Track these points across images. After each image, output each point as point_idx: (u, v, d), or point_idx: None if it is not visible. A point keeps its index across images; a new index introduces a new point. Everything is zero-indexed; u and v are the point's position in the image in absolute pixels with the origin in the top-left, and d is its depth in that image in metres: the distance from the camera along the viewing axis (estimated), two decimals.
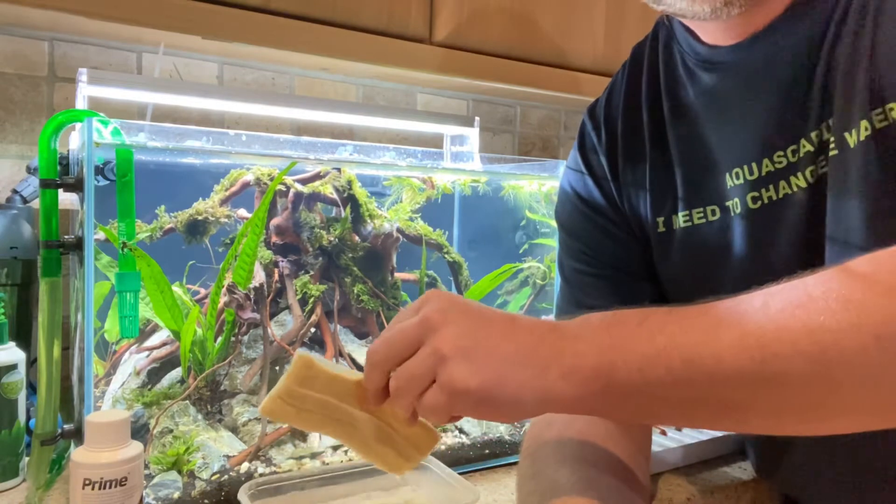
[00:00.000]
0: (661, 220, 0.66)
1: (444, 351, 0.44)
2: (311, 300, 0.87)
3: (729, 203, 0.61)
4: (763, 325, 0.41)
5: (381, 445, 0.51)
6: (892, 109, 0.48)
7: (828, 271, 0.42)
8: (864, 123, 0.50)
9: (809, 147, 0.55)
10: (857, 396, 0.40)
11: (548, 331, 0.46)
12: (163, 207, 0.83)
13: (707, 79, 0.62)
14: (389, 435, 0.51)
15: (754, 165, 0.59)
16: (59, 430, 0.71)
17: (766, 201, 0.58)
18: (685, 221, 0.65)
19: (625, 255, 0.70)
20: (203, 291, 0.88)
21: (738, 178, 0.60)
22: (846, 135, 0.51)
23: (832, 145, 0.53)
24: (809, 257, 0.56)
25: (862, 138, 0.50)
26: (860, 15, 0.51)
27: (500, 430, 0.89)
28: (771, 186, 0.58)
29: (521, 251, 1.09)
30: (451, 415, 0.46)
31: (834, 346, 0.39)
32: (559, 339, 0.46)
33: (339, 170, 0.90)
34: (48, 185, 0.69)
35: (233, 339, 0.82)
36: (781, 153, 0.57)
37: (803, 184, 0.56)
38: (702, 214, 0.63)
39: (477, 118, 1.17)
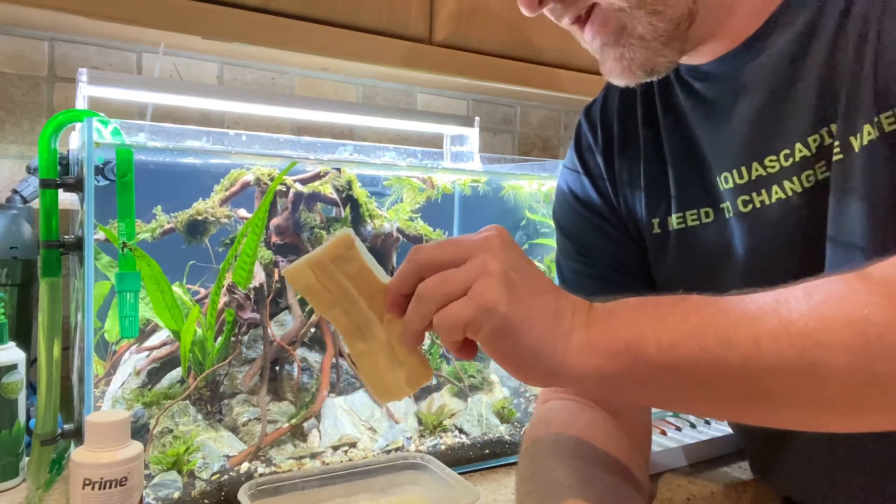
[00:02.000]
0: (656, 221, 0.66)
1: (491, 267, 0.43)
2: None
3: (723, 205, 0.61)
4: (805, 313, 0.40)
5: (376, 358, 0.49)
6: None
7: (868, 268, 0.41)
8: (867, 128, 0.50)
9: (806, 152, 0.55)
10: None
11: (584, 305, 0.46)
12: (159, 208, 0.83)
13: (696, 85, 0.62)
14: (388, 354, 0.49)
15: (743, 170, 0.59)
16: (59, 430, 0.71)
17: (757, 205, 0.58)
18: (679, 223, 0.65)
19: (621, 255, 0.70)
20: (203, 291, 0.88)
21: (727, 181, 0.60)
22: (852, 139, 0.51)
23: (836, 150, 0.52)
24: (810, 260, 0.56)
25: (865, 142, 0.50)
26: (864, 19, 0.51)
27: (500, 430, 0.90)
28: (763, 191, 0.58)
29: None
30: (464, 334, 0.43)
31: (878, 340, 0.38)
32: (594, 312, 0.45)
33: (339, 170, 0.90)
34: (48, 185, 0.69)
35: (233, 339, 0.82)
36: (774, 158, 0.57)
37: (799, 188, 0.56)
38: (695, 216, 0.63)
39: (477, 118, 1.17)
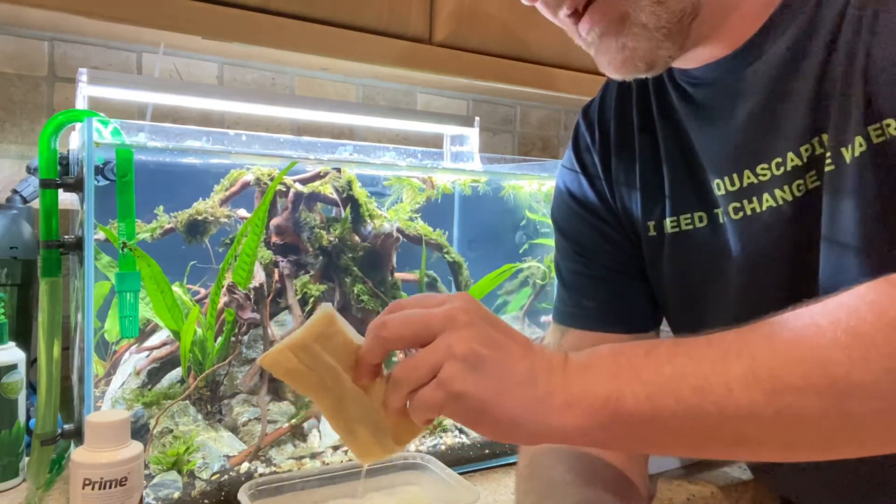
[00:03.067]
0: (651, 223, 0.66)
1: (457, 350, 0.43)
2: (311, 300, 0.87)
3: (717, 210, 0.61)
4: (772, 356, 0.41)
5: (361, 426, 0.49)
6: (889, 125, 0.48)
7: (833, 300, 0.42)
8: (858, 139, 0.50)
9: (797, 161, 0.55)
10: (870, 427, 0.40)
11: (559, 360, 0.46)
12: (161, 208, 0.83)
13: (689, 89, 0.62)
14: (373, 417, 0.49)
15: (735, 177, 0.59)
16: (59, 430, 0.71)
17: (748, 213, 0.58)
18: (672, 226, 0.65)
19: (620, 255, 0.70)
20: (203, 291, 0.88)
21: (719, 188, 0.60)
22: (843, 150, 0.51)
23: (828, 160, 0.52)
24: (802, 266, 0.55)
25: (857, 154, 0.50)
26: (854, 31, 0.51)
27: None
28: (754, 199, 0.58)
29: (521, 251, 1.09)
30: (440, 414, 0.45)
31: (844, 379, 0.39)
32: (569, 369, 0.45)
33: (339, 170, 0.90)
34: (48, 185, 0.69)
35: (233, 339, 0.82)
36: (765, 166, 0.57)
37: (789, 197, 0.56)
38: (689, 220, 0.63)
39: (477, 118, 1.17)
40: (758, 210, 0.58)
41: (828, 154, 0.52)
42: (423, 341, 0.45)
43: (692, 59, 0.59)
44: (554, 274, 0.78)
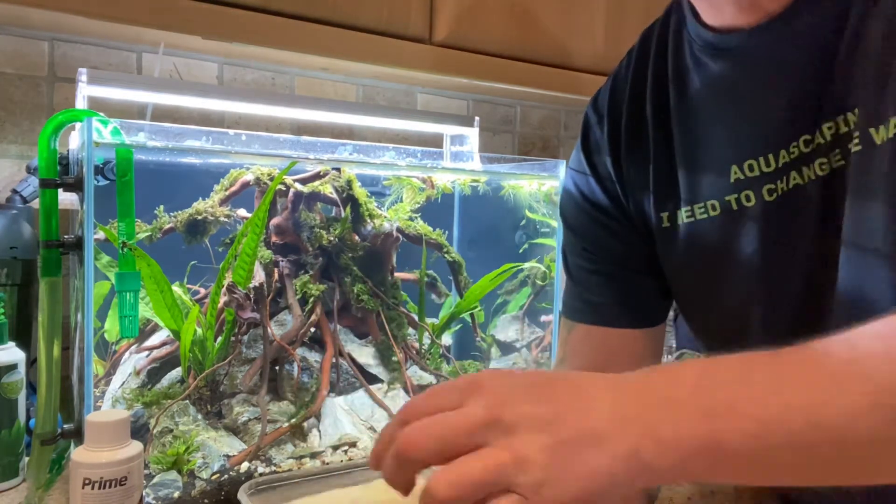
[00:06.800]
0: (665, 214, 0.65)
1: (534, 459, 0.37)
2: (311, 300, 0.87)
3: (729, 197, 0.60)
4: (891, 375, 0.37)
5: None
6: None
7: None
8: (893, 121, 0.47)
9: (820, 139, 0.53)
10: None
11: (629, 395, 0.40)
12: (161, 207, 0.83)
13: (715, 68, 0.60)
14: None
15: (770, 157, 0.57)
16: (59, 430, 0.71)
17: (780, 193, 0.57)
18: (687, 217, 0.63)
19: (630, 252, 0.69)
20: (203, 291, 0.88)
21: (751, 170, 0.58)
22: (872, 130, 0.49)
23: (855, 140, 0.50)
24: (822, 253, 0.54)
25: (891, 135, 0.48)
26: (894, 4, 0.48)
27: None
28: (784, 178, 0.56)
29: (520, 251, 1.09)
30: None
31: None
32: (647, 407, 0.39)
33: (339, 170, 0.90)
34: (48, 185, 0.69)
35: (233, 338, 0.82)
36: (795, 143, 0.55)
37: (813, 176, 0.54)
38: (703, 209, 0.62)
39: (477, 118, 1.17)
40: (786, 189, 0.56)
41: (855, 133, 0.50)
42: (461, 452, 0.39)
43: (739, 14, 0.56)
44: (554, 274, 0.78)
